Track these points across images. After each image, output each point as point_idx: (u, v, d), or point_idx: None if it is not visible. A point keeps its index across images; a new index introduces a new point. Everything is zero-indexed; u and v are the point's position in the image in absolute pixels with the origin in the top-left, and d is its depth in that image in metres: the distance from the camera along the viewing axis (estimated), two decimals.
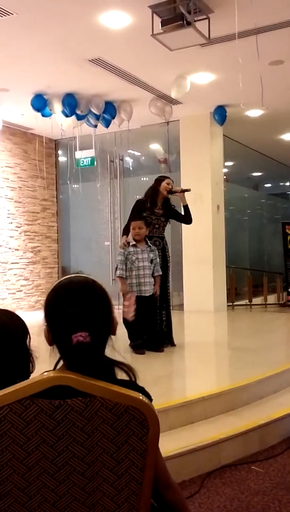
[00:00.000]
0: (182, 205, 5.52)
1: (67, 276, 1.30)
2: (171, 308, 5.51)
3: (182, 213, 5.54)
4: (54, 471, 1.11)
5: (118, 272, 5.07)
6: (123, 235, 5.44)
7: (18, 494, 1.10)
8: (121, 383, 1.18)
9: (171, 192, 5.48)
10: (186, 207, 5.50)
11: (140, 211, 5.30)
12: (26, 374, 1.45)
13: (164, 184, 5.36)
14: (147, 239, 5.14)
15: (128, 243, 5.15)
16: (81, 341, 1.17)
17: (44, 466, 1.10)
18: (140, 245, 5.10)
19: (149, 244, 5.14)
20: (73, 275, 1.30)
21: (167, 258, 5.46)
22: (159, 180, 5.44)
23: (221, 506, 2.65)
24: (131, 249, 5.08)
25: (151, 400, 1.19)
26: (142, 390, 1.21)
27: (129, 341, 5.12)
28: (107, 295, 1.28)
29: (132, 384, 1.22)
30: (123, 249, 5.12)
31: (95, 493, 1.14)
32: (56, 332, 1.25)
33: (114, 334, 1.31)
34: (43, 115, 7.75)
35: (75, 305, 1.23)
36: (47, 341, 1.28)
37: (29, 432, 1.08)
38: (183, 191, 5.51)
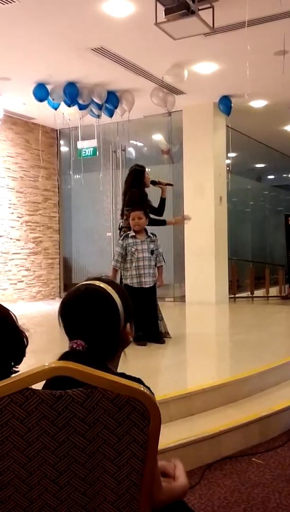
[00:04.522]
0: (160, 196, 5.59)
1: (85, 282, 1.34)
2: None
3: (156, 206, 5.59)
4: (55, 461, 1.10)
5: (113, 262, 5.08)
6: (124, 214, 5.32)
7: (18, 484, 1.10)
8: (122, 375, 1.18)
9: (154, 182, 5.51)
10: (163, 200, 5.59)
11: (140, 180, 5.31)
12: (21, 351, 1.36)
13: (147, 175, 5.43)
14: (146, 229, 5.12)
15: (127, 234, 5.13)
16: (74, 347, 1.25)
17: (44, 457, 1.10)
18: (139, 236, 5.06)
19: (149, 234, 5.11)
20: (89, 282, 1.33)
21: None
22: (141, 171, 5.44)
23: (221, 497, 2.66)
24: (130, 240, 5.05)
25: (152, 394, 1.19)
26: (141, 383, 1.20)
27: None
28: (114, 306, 1.30)
29: (132, 377, 1.22)
30: (122, 241, 5.10)
31: (96, 484, 1.13)
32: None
33: (122, 346, 1.36)
34: (53, 108, 7.71)
35: (77, 312, 1.29)
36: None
37: (30, 422, 1.08)
38: (168, 184, 5.59)
